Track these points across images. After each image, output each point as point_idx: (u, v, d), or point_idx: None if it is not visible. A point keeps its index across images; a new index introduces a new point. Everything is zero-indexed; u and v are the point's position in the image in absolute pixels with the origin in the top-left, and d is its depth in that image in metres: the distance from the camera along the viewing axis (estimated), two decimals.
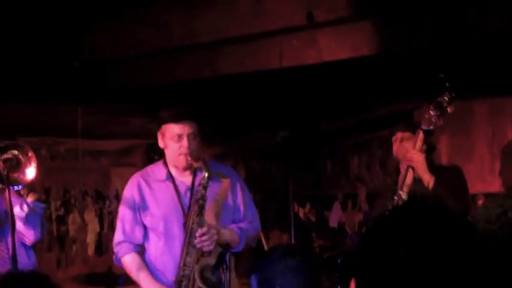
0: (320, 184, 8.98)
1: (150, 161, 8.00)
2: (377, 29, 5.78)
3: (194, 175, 4.14)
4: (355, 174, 8.55)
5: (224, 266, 3.94)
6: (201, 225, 3.98)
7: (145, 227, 4.19)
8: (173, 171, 4.21)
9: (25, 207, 4.25)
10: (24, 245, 4.38)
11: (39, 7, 6.18)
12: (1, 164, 4.03)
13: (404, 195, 4.27)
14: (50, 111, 7.50)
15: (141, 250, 4.22)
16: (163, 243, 4.13)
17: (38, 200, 4.50)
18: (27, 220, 4.26)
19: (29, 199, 4.37)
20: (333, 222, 8.68)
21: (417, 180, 4.36)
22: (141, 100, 7.55)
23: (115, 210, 8.06)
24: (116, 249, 4.25)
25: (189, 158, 4.04)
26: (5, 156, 4.03)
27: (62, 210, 7.90)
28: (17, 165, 4.07)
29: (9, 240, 4.33)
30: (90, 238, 8.03)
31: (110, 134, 7.96)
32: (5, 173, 3.99)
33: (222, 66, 6.46)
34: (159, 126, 4.15)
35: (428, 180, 4.30)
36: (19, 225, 4.24)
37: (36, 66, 6.64)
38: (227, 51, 6.39)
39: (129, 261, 4.19)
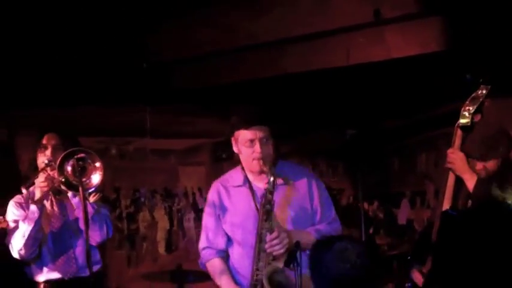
0: (387, 181, 8.92)
1: (217, 159, 8.10)
2: (445, 25, 5.72)
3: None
4: (422, 171, 8.47)
5: (295, 264, 3.94)
6: (270, 230, 3.97)
7: (227, 233, 4.23)
8: (250, 176, 4.21)
9: (90, 208, 4.28)
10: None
11: (106, 10, 6.27)
12: (70, 169, 4.09)
13: (448, 198, 4.14)
14: (119, 111, 7.62)
15: (225, 255, 4.25)
16: (242, 249, 4.15)
17: (100, 200, 4.51)
18: (92, 221, 4.27)
19: (91, 199, 4.41)
20: (402, 219, 8.62)
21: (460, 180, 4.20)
22: (207, 100, 7.61)
23: (184, 208, 8.15)
24: (201, 254, 4.31)
25: (261, 163, 4.04)
26: (73, 161, 4.08)
27: (132, 208, 8.01)
28: (83, 171, 4.11)
29: (77, 241, 4.45)
30: (160, 236, 8.11)
31: (177, 134, 8.04)
32: (75, 177, 4.05)
33: (288, 65, 6.47)
34: (232, 133, 4.16)
35: (469, 179, 4.14)
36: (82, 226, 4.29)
37: (106, 68, 6.76)
38: (292, 50, 6.39)
39: (212, 266, 4.24)
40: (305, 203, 4.20)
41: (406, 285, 4.82)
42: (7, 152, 7.67)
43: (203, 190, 8.25)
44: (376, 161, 8.45)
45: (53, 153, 4.34)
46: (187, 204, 8.18)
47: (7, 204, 4.52)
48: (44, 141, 4.41)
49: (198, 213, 8.23)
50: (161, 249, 8.13)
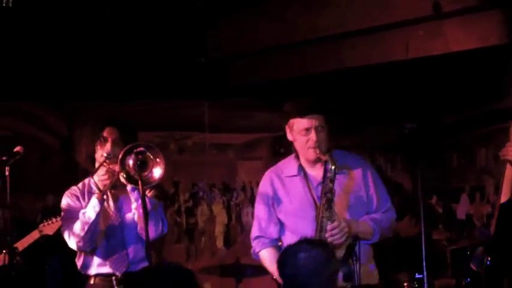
0: (446, 176, 8.83)
1: (275, 154, 8.11)
2: (505, 18, 5.65)
3: (325, 168, 4.06)
4: (482, 166, 8.36)
5: (354, 258, 3.93)
6: (330, 219, 3.96)
7: (280, 222, 4.22)
8: (304, 165, 4.20)
9: (148, 204, 4.23)
10: (141, 240, 4.33)
11: (167, 6, 6.35)
12: (131, 163, 4.11)
13: (506, 191, 4.09)
14: (178, 106, 7.71)
15: (277, 244, 4.25)
16: (296, 238, 4.14)
17: (156, 196, 4.44)
18: (149, 217, 4.20)
19: (148, 195, 4.36)
20: (461, 215, 8.54)
21: None
22: (266, 94, 7.64)
23: (242, 202, 8.18)
24: (253, 244, 4.30)
25: (318, 151, 4.03)
26: (134, 155, 4.10)
27: (191, 202, 8.07)
28: (145, 165, 4.14)
29: (130, 237, 4.41)
30: (218, 230, 8.15)
31: (235, 128, 8.07)
32: (136, 171, 4.07)
33: (347, 58, 6.47)
34: (286, 120, 4.16)
35: None
36: (139, 221, 4.29)
37: (165, 63, 6.84)
38: (351, 44, 6.39)
39: (265, 255, 4.24)
40: (361, 192, 4.19)
41: (465, 280, 4.80)
42: (68, 145, 7.81)
43: None
44: (435, 155, 8.37)
45: (113, 146, 4.33)
46: (245, 199, 8.20)
47: None
48: (105, 134, 4.38)
49: None
50: (219, 243, 8.16)
